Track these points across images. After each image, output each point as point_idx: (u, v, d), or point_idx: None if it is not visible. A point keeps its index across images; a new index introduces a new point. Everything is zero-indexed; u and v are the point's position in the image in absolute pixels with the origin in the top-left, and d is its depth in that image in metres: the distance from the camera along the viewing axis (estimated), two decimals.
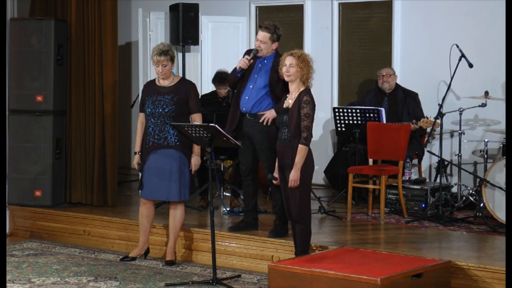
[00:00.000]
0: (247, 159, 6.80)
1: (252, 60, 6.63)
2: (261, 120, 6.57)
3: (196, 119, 6.64)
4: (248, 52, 6.73)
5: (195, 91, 6.70)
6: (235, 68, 6.72)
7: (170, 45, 6.74)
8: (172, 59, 6.62)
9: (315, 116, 5.90)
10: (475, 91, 8.14)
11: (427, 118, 7.91)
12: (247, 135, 6.71)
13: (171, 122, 6.52)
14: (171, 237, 6.79)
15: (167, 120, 6.55)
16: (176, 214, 6.73)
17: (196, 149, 6.60)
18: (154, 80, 6.79)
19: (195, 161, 6.62)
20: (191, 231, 7.02)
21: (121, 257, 6.97)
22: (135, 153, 6.76)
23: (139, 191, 6.87)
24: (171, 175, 6.57)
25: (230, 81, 6.89)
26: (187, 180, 6.64)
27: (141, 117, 6.75)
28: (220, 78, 8.48)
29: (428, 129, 7.79)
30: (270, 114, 6.55)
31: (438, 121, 7.47)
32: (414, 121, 8.00)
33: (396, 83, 8.58)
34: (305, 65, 5.88)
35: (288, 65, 5.89)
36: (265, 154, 6.63)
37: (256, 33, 6.75)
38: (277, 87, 6.49)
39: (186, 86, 6.67)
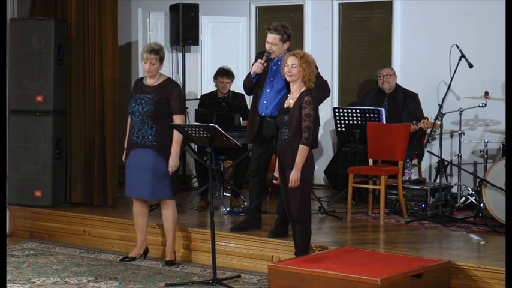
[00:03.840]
0: (258, 160, 6.77)
1: (265, 64, 6.59)
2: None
3: (177, 120, 6.58)
4: (260, 55, 6.69)
5: (177, 92, 6.64)
6: (249, 73, 6.69)
7: (162, 47, 6.73)
8: (161, 60, 6.61)
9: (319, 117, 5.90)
10: (475, 91, 8.14)
11: (428, 119, 7.91)
12: (266, 138, 6.68)
13: (149, 121, 6.52)
14: (168, 238, 6.79)
15: (146, 120, 6.54)
16: (168, 214, 6.72)
17: (174, 149, 6.56)
18: (143, 78, 6.78)
19: (172, 162, 6.56)
20: (191, 231, 7.02)
21: (121, 257, 6.97)
22: (124, 148, 6.79)
23: None
24: (148, 174, 6.55)
25: (246, 87, 6.82)
26: (166, 180, 6.59)
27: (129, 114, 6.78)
28: (223, 70, 8.50)
29: (429, 131, 7.79)
30: None
31: (438, 122, 7.47)
32: (414, 122, 8.00)
33: (396, 83, 8.58)
34: (307, 66, 5.88)
35: (290, 65, 5.89)
36: None
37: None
38: None
39: (168, 87, 6.62)
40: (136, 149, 6.60)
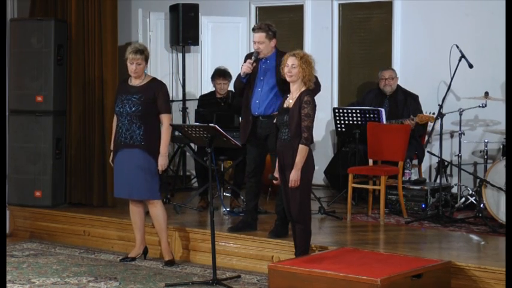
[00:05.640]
0: (254, 161, 6.78)
1: (254, 64, 6.62)
2: (274, 121, 6.54)
3: (164, 119, 6.61)
4: (249, 56, 6.72)
5: (164, 91, 6.65)
6: (239, 74, 6.72)
7: (146, 47, 6.77)
8: (146, 59, 6.63)
9: (315, 116, 5.90)
10: (475, 92, 8.13)
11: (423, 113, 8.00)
12: (261, 137, 6.69)
13: (137, 121, 6.54)
14: (161, 238, 6.79)
15: (133, 120, 6.56)
16: (157, 215, 6.72)
17: (163, 149, 6.57)
18: (127, 79, 6.79)
19: (161, 161, 6.57)
20: (191, 232, 7.02)
21: (121, 257, 6.97)
22: (110, 151, 6.79)
23: None
24: (135, 174, 6.56)
25: (236, 88, 6.88)
26: (154, 180, 6.60)
27: (116, 116, 6.77)
28: (219, 71, 8.49)
29: (429, 128, 7.80)
30: None
31: (433, 115, 7.45)
32: (411, 117, 8.04)
33: (397, 84, 8.58)
34: (307, 66, 5.89)
35: (290, 66, 5.89)
36: None
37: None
38: (286, 85, 6.49)
39: (155, 86, 6.64)
40: (124, 149, 6.61)
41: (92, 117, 8.13)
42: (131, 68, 6.60)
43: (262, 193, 8.29)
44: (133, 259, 6.88)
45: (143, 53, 6.60)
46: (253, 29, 6.69)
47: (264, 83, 6.64)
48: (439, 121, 7.46)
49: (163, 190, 6.91)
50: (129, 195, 6.71)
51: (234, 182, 8.26)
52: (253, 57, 6.62)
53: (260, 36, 6.60)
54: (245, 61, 6.71)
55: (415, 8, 8.96)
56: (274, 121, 6.47)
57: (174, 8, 9.27)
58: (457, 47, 7.64)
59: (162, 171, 6.62)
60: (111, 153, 6.78)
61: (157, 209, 6.70)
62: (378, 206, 7.64)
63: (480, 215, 7.26)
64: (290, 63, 5.89)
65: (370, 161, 7.86)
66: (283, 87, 6.51)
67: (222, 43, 9.65)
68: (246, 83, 6.69)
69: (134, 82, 6.67)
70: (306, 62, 5.89)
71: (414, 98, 8.46)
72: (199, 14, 9.34)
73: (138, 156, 6.56)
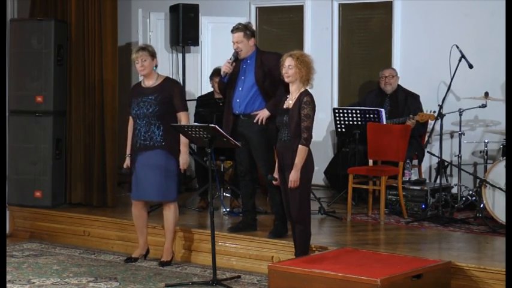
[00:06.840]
0: (244, 160, 6.81)
1: (234, 63, 6.67)
2: (255, 121, 6.59)
3: (182, 117, 6.62)
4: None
5: (179, 89, 6.68)
6: (220, 74, 6.77)
7: (149, 45, 6.78)
8: (152, 55, 6.61)
9: (315, 116, 5.90)
10: (475, 92, 8.14)
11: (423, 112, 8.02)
12: (243, 136, 6.71)
13: (156, 121, 6.53)
14: (167, 238, 6.78)
15: (152, 121, 6.54)
16: (168, 215, 6.71)
17: (184, 147, 6.57)
18: (140, 82, 6.78)
19: (183, 159, 6.59)
20: (191, 232, 7.02)
21: (121, 257, 6.98)
22: (127, 155, 6.76)
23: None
24: (157, 175, 6.54)
25: (220, 87, 6.95)
26: (175, 180, 6.61)
27: (131, 120, 6.75)
28: (218, 71, 8.47)
29: (429, 127, 7.80)
30: (263, 114, 6.59)
31: (434, 114, 7.44)
32: (411, 116, 8.05)
33: (398, 84, 8.58)
34: (304, 66, 5.87)
35: (287, 66, 5.89)
36: (261, 154, 6.64)
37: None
38: (265, 84, 6.56)
39: (169, 85, 6.64)
40: (144, 152, 6.57)
41: (92, 118, 8.13)
42: (137, 66, 6.59)
43: (262, 193, 8.32)
44: (136, 259, 6.87)
45: (146, 49, 6.60)
46: (232, 30, 6.74)
47: (245, 82, 6.69)
48: (439, 121, 7.46)
49: (179, 190, 6.88)
50: (151, 197, 6.67)
51: (233, 182, 8.26)
52: (232, 57, 6.67)
53: (238, 36, 6.66)
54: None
55: (415, 8, 8.97)
56: (254, 120, 6.52)
57: (174, 8, 9.28)
58: (457, 47, 7.64)
59: (184, 170, 6.58)
60: (127, 158, 6.70)
61: (170, 211, 6.69)
62: (377, 206, 7.64)
63: (480, 215, 7.26)
64: (287, 64, 5.89)
65: (370, 162, 7.86)
66: (262, 87, 6.57)
67: (222, 43, 9.61)
68: (228, 82, 6.75)
69: (147, 83, 6.66)
70: (303, 62, 5.87)
71: (415, 97, 8.46)
72: (199, 14, 9.34)
73: (160, 157, 6.54)
